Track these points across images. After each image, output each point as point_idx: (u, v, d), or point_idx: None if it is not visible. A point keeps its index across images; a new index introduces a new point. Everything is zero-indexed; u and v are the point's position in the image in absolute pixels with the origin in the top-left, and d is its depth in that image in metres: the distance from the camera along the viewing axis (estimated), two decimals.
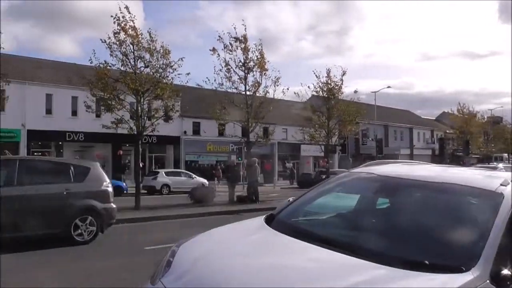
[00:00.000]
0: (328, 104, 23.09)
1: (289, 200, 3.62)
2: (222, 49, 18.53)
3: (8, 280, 5.44)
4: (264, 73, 19.27)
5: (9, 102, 17.34)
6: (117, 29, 14.61)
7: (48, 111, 29.86)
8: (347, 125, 23.75)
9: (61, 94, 29.73)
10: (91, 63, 14.65)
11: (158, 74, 15.39)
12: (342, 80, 23.17)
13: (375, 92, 48.27)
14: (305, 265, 2.46)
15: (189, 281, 2.41)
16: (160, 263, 2.85)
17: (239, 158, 27.20)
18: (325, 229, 3.22)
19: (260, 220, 3.28)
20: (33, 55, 45.23)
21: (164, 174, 27.50)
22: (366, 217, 3.35)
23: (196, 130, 37.35)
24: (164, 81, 15.55)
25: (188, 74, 16.12)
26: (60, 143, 30.64)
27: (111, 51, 14.75)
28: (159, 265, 2.82)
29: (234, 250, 2.73)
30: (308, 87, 23.49)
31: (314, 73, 23.11)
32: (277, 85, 19.53)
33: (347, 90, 31.73)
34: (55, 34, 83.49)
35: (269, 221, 3.21)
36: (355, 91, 25.16)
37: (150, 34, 15.19)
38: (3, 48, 12.09)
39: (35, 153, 29.51)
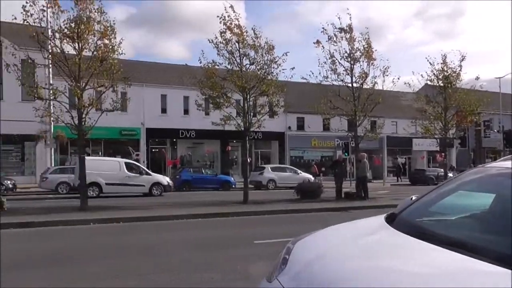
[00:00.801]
0: (445, 93, 21.11)
1: (411, 198, 3.25)
2: (327, 41, 18.07)
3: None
4: (372, 63, 18.33)
5: (130, 103, 19.21)
6: (223, 28, 15.11)
7: (163, 111, 32.34)
8: (466, 116, 21.45)
9: (174, 94, 31.97)
10: (200, 63, 15.40)
11: (263, 71, 15.59)
12: (460, 66, 21.01)
13: (499, 78, 43.09)
14: (435, 272, 2.11)
15: (305, 282, 2.29)
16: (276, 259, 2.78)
17: (346, 153, 26.43)
18: (457, 231, 2.78)
19: (379, 219, 2.99)
20: (148, 59, 49.68)
21: (270, 170, 27.93)
22: (506, 219, 2.83)
23: (301, 125, 37.28)
24: (269, 77, 15.69)
25: (292, 68, 16.10)
26: (174, 140, 33.01)
27: (218, 50, 15.33)
28: (275, 262, 2.77)
29: (353, 252, 2.50)
30: (421, 75, 21.76)
31: (428, 60, 21.31)
32: (386, 75, 18.43)
33: (466, 77, 28.59)
34: (166, 38, 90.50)
35: (391, 220, 2.89)
36: (477, 78, 22.54)
37: (254, 31, 15.44)
38: (124, 54, 13.31)
39: (153, 149, 32.28)
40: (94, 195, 18.08)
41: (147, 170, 21.61)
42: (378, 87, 18.79)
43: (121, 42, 13.35)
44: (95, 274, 5.71)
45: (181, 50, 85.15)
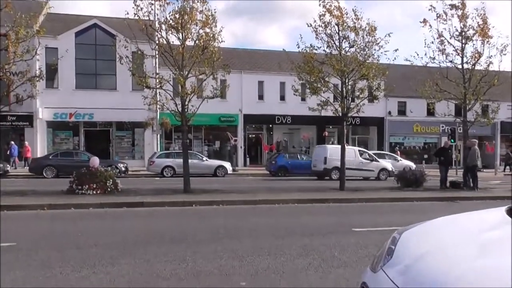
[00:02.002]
0: None
1: None
2: (435, 19, 16.63)
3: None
4: (487, 42, 16.46)
5: (229, 90, 19.79)
6: (323, 11, 14.70)
7: (260, 97, 32.83)
8: None
9: (271, 80, 32.23)
10: (298, 47, 15.18)
11: (364, 53, 14.89)
12: None
13: None
14: None
15: (414, 278, 2.09)
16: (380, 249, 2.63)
17: (452, 140, 24.41)
18: None
19: (500, 212, 2.66)
20: (247, 47, 50.79)
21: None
22: None
23: (402, 110, 35.21)
24: (370, 59, 14.96)
25: (396, 50, 15.12)
26: (271, 125, 33.42)
27: (317, 34, 14.96)
28: (379, 252, 2.63)
29: (472, 249, 2.19)
30: None
31: None
32: (504, 55, 16.42)
33: None
34: (266, 27, 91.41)
35: None
36: None
37: (354, 12, 14.76)
38: (224, 42, 13.68)
39: (250, 135, 33.04)
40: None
41: (375, 157, 23.60)
42: (494, 67, 16.90)
43: (221, 31, 13.72)
44: (205, 253, 5.94)
45: (280, 38, 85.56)
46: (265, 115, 32.08)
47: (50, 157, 22.95)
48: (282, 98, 32.44)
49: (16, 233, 7.44)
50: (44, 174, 21.69)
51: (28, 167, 23.66)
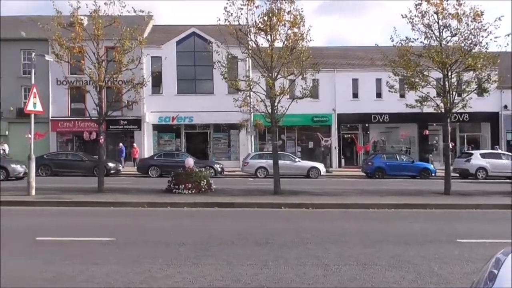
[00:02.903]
0: None
1: None
2: None
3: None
4: None
5: (321, 89, 19.38)
6: (419, 1, 13.63)
7: (355, 95, 31.67)
8: None
9: (366, 77, 30.91)
10: (392, 41, 14.27)
11: (468, 41, 13.44)
12: None
13: None
14: None
15: None
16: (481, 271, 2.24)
17: None
18: None
19: None
20: (339, 45, 49.46)
21: (479, 156, 24.26)
22: None
23: None
24: (476, 48, 13.45)
25: (508, 35, 13.38)
26: (366, 125, 32.06)
27: (413, 25, 13.91)
28: (479, 274, 2.26)
29: None
30: None
31: None
32: None
33: None
34: (358, 23, 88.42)
35: None
36: None
37: None
38: (312, 41, 13.44)
39: (345, 135, 32.06)
40: None
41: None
42: None
43: (309, 30, 13.49)
44: (288, 258, 5.79)
45: (374, 34, 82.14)
46: (360, 113, 30.86)
47: (155, 158, 24.77)
48: (379, 95, 30.91)
49: (116, 228, 8.05)
50: (149, 173, 23.46)
51: (136, 167, 25.84)
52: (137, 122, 30.01)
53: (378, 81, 29.69)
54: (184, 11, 77.77)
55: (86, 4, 13.61)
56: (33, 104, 12.77)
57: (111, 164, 23.69)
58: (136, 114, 28.97)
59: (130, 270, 5.25)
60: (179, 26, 33.23)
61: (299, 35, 13.34)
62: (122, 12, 13.98)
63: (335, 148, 30.85)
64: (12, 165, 19.81)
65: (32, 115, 13.14)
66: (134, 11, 14.23)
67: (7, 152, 25.34)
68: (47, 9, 70.73)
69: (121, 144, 28.67)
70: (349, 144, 32.28)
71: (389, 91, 15.75)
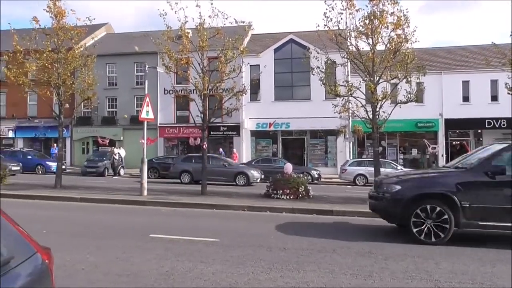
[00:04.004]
0: None
1: None
2: None
3: None
4: None
5: (427, 93, 18.22)
6: None
7: (465, 99, 29.22)
8: None
9: (479, 79, 28.34)
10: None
11: None
12: None
13: None
14: None
15: None
16: None
17: None
18: None
19: None
20: (448, 45, 45.99)
21: None
22: None
23: None
24: None
25: None
26: (479, 131, 29.35)
27: None
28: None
29: None
30: None
31: None
32: None
33: None
34: (468, 20, 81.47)
35: None
36: None
37: None
38: (418, 42, 12.69)
39: (453, 142, 29.68)
40: None
41: None
42: None
43: (414, 31, 12.81)
44: (394, 271, 5.53)
45: (485, 31, 75.11)
46: (471, 118, 28.36)
47: (253, 163, 25.45)
48: (494, 98, 28.11)
49: (220, 230, 8.41)
50: None
51: None
52: (236, 128, 31.19)
53: (494, 82, 27.06)
54: (281, 19, 79.18)
55: (193, 18, 14.57)
56: (146, 112, 13.98)
57: None
58: (235, 121, 30.14)
59: (234, 271, 5.44)
60: (277, 34, 33.90)
61: (403, 37, 12.73)
62: (224, 24, 14.70)
63: (442, 155, 28.74)
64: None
65: (145, 122, 14.39)
66: (236, 22, 14.85)
67: (122, 156, 28.02)
68: (158, 24, 77.25)
69: (221, 149, 30.02)
70: (458, 152, 29.82)
71: (508, 93, 14.23)
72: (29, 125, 33.91)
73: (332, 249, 6.78)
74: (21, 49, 14.36)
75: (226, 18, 14.56)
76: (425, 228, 7.26)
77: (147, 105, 13.98)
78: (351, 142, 28.76)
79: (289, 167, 14.63)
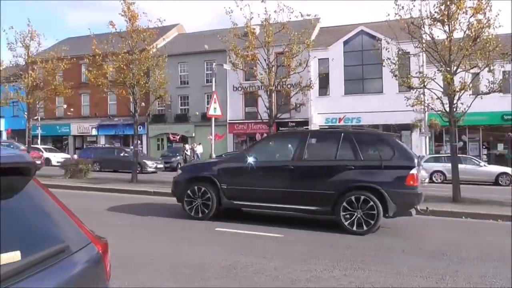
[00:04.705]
0: None
1: None
2: None
3: None
4: None
5: None
6: None
7: None
8: None
9: None
10: None
11: None
12: None
13: None
14: None
15: None
16: None
17: None
18: None
19: None
20: None
21: None
22: None
23: None
24: None
25: None
26: None
27: None
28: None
29: None
30: None
31: None
32: None
33: None
34: None
35: None
36: None
37: None
38: (502, 27, 11.52)
39: None
40: None
41: None
42: None
43: (497, 15, 11.67)
44: (470, 274, 5.10)
45: None
46: None
47: None
48: None
49: (284, 225, 8.31)
50: None
51: None
52: (305, 124, 30.90)
53: None
54: (351, 11, 77.02)
55: (258, 14, 14.62)
56: (214, 109, 14.32)
57: None
58: (303, 116, 29.87)
59: (296, 267, 5.34)
60: (346, 26, 33.00)
61: (485, 22, 11.65)
62: (290, 18, 14.57)
63: None
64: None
65: (213, 119, 14.74)
66: (301, 16, 14.66)
67: (199, 152, 29.02)
68: (226, 22, 78.96)
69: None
70: None
71: None
72: (110, 123, 36.44)
73: (401, 249, 6.42)
74: (100, 52, 15.45)
75: (292, 12, 14.44)
76: (195, 206, 8.54)
77: (215, 102, 14.31)
78: (427, 137, 27.18)
79: None
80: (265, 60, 14.46)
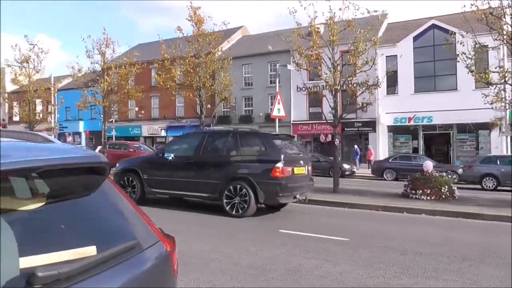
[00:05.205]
0: None
1: None
2: None
3: None
4: None
5: None
6: None
7: None
8: None
9: None
10: None
11: None
12: None
13: None
14: None
15: None
16: None
17: None
18: None
19: None
20: None
21: None
22: None
23: None
24: None
25: None
26: None
27: None
28: None
29: None
30: None
31: None
32: None
33: None
34: None
35: None
36: None
37: None
38: None
39: None
40: None
41: None
42: None
43: None
44: None
45: None
46: None
47: (390, 160, 24.10)
48: None
49: (350, 229, 8.11)
50: (384, 176, 22.96)
51: (370, 169, 25.75)
52: (372, 124, 29.94)
53: None
54: (421, 5, 73.43)
55: (322, 13, 14.37)
56: (278, 110, 14.32)
57: (346, 166, 24.39)
58: (370, 116, 28.97)
59: (363, 273, 5.15)
60: (416, 20, 31.50)
61: None
62: (356, 15, 14.15)
63: None
64: None
65: (277, 120, 14.75)
66: (368, 12, 14.18)
67: None
68: (286, 22, 78.87)
69: (355, 146, 29.18)
70: None
71: None
72: (178, 124, 37.91)
73: (480, 258, 5.95)
74: (168, 57, 16.11)
75: (358, 9, 14.02)
76: (126, 192, 9.52)
77: (278, 103, 14.31)
78: (508, 137, 25.07)
79: (428, 164, 13.42)
80: (330, 59, 14.19)
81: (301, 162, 9.67)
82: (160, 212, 9.09)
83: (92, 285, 1.49)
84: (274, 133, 11.21)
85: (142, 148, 24.68)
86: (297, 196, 9.47)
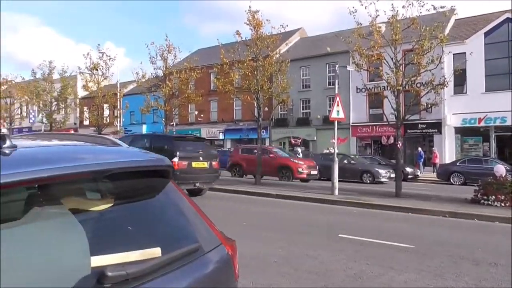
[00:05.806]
0: None
1: None
2: None
3: None
4: None
5: None
6: None
7: None
8: None
9: None
10: None
11: None
12: None
13: None
14: None
15: None
16: None
17: None
18: None
19: None
20: None
21: None
22: None
23: None
24: None
25: None
26: None
27: None
28: None
29: None
30: None
31: None
32: None
33: None
34: None
35: None
36: None
37: None
38: None
39: None
40: None
41: None
42: None
43: None
44: None
45: None
46: None
47: (458, 164, 22.73)
48: None
49: (415, 236, 7.72)
50: (451, 181, 21.72)
51: (436, 173, 24.45)
52: (437, 125, 28.47)
53: None
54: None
55: (384, 11, 13.88)
56: (337, 112, 14.01)
57: (408, 169, 23.39)
58: (436, 117, 27.58)
59: (431, 283, 4.87)
60: (487, 15, 29.54)
61: None
62: (421, 12, 13.52)
63: None
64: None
65: (336, 122, 14.44)
66: (434, 9, 13.49)
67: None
68: (343, 23, 77.23)
69: (419, 148, 27.88)
70: None
71: None
72: (235, 127, 38.44)
73: None
74: (227, 61, 16.38)
75: (422, 6, 13.38)
76: None
77: (338, 105, 14.01)
78: None
79: (500, 168, 12.45)
80: (392, 59, 13.66)
81: (201, 158, 11.96)
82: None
83: (157, 286, 1.50)
84: (180, 135, 14.41)
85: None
86: (197, 185, 11.54)
